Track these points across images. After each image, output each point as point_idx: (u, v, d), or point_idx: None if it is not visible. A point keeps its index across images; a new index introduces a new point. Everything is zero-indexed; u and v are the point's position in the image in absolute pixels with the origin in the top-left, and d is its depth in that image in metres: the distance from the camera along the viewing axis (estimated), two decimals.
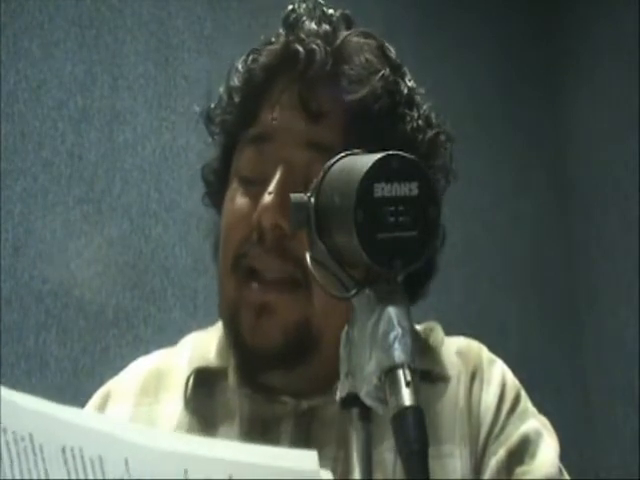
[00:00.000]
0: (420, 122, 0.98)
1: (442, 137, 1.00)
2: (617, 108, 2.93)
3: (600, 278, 2.96)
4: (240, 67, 1.01)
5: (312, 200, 0.74)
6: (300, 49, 0.95)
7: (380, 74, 0.95)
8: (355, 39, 0.98)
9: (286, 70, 0.96)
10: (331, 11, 1.00)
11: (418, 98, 1.00)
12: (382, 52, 0.99)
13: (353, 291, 0.71)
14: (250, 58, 1.00)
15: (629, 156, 2.87)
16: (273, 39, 1.00)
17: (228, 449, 0.59)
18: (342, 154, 0.77)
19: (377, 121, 0.92)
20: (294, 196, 0.75)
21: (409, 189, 0.69)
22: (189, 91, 2.39)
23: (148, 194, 2.30)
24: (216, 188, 1.03)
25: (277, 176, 0.92)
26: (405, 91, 0.98)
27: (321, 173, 0.76)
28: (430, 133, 0.98)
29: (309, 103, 0.94)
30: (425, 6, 2.89)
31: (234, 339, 0.96)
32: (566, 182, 3.06)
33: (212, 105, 1.03)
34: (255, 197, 0.93)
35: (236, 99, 1.00)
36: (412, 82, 1.01)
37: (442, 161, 0.99)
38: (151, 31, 2.38)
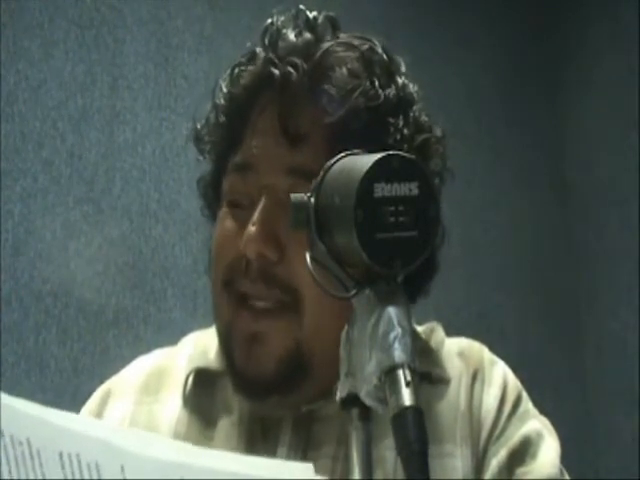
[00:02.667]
0: (406, 130, 0.95)
1: (432, 140, 0.98)
2: (617, 108, 2.92)
3: (600, 278, 2.96)
4: (223, 87, 1.00)
5: (312, 200, 0.74)
6: (275, 72, 0.94)
7: (360, 89, 0.93)
8: (336, 49, 0.96)
9: (265, 91, 0.96)
10: (314, 14, 0.99)
11: (410, 97, 0.98)
12: (365, 60, 0.96)
13: (353, 291, 0.71)
14: (232, 76, 1.00)
15: (629, 156, 2.86)
16: (258, 49, 0.98)
17: (224, 460, 0.59)
18: (342, 154, 0.77)
19: (358, 140, 0.86)
20: (294, 196, 0.75)
21: (409, 189, 0.69)
22: (189, 91, 2.39)
23: (148, 194, 2.30)
24: (211, 201, 1.03)
25: (260, 205, 0.93)
26: (392, 94, 0.96)
27: (321, 173, 0.75)
28: (418, 139, 0.96)
29: (288, 126, 0.93)
30: (424, 5, 2.89)
31: (229, 366, 0.97)
32: (566, 182, 3.06)
33: (199, 125, 1.03)
34: (242, 221, 0.94)
35: (221, 119, 1.00)
36: (404, 79, 0.99)
37: (434, 164, 0.98)
38: (151, 31, 2.37)
